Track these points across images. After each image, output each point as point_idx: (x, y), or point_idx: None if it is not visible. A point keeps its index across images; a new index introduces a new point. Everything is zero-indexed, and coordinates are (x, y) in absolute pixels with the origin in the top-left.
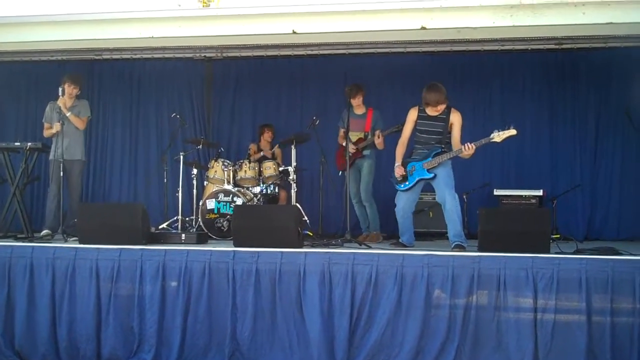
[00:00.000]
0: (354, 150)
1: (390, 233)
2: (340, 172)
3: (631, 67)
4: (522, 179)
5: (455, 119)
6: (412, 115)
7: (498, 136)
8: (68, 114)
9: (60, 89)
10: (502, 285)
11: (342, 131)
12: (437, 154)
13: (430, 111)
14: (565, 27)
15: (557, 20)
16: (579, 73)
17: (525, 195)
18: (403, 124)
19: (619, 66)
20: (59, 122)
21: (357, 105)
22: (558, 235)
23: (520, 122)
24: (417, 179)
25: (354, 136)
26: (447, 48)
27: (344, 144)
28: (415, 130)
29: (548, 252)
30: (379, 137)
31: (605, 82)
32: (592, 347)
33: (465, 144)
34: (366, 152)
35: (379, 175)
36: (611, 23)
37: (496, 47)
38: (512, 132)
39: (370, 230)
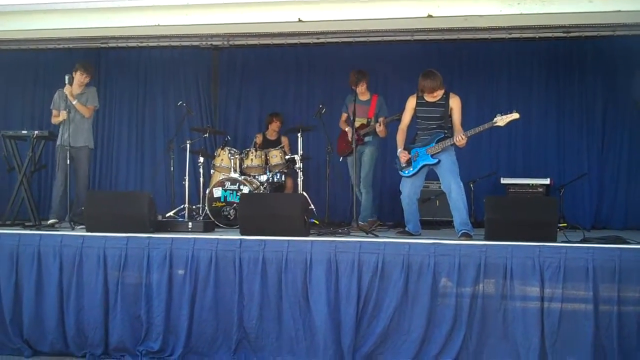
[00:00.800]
0: (355, 137)
1: (396, 222)
2: (341, 158)
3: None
4: (530, 168)
5: (455, 103)
6: (411, 102)
7: (501, 120)
8: (74, 102)
9: (66, 77)
10: (508, 274)
11: (344, 116)
12: (439, 140)
13: (428, 97)
14: (573, 15)
15: (565, 8)
16: (587, 61)
17: (533, 184)
18: (401, 114)
19: (627, 54)
20: (66, 110)
21: (362, 92)
22: (565, 224)
23: (528, 111)
24: (421, 164)
25: (357, 122)
26: (454, 36)
27: (344, 128)
28: (415, 117)
29: (555, 241)
30: (380, 126)
31: (613, 70)
32: (599, 336)
33: (459, 135)
34: (368, 139)
35: (384, 164)
36: (619, 11)
37: (503, 35)
38: (515, 115)
39: (361, 219)
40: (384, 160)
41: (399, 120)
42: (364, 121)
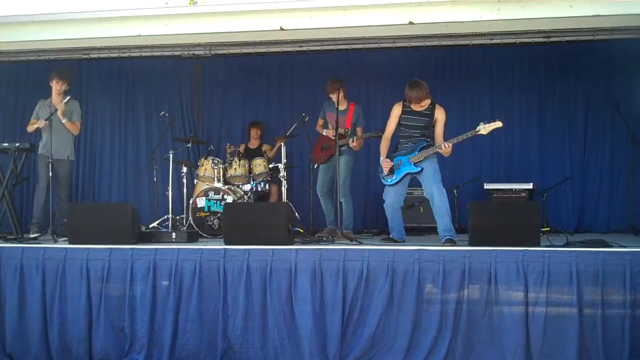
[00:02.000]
0: (331, 146)
1: (380, 229)
2: (315, 165)
3: (619, 59)
4: (512, 173)
5: (440, 115)
6: (397, 110)
7: (484, 128)
8: (64, 120)
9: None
10: (493, 279)
11: (320, 121)
12: (422, 148)
13: (415, 106)
14: (553, 20)
15: (544, 13)
16: (568, 66)
17: (516, 189)
18: (381, 130)
19: (607, 58)
20: (46, 120)
21: (339, 100)
22: (548, 228)
23: (510, 116)
24: (403, 173)
25: (333, 132)
26: (436, 43)
27: (322, 132)
28: (399, 124)
29: (538, 245)
30: (353, 142)
31: (594, 74)
32: (583, 340)
33: (443, 143)
34: (343, 148)
35: (368, 172)
36: (598, 15)
37: (484, 41)
38: (498, 124)
39: (342, 228)
40: (368, 167)
41: (377, 137)
42: (341, 131)
